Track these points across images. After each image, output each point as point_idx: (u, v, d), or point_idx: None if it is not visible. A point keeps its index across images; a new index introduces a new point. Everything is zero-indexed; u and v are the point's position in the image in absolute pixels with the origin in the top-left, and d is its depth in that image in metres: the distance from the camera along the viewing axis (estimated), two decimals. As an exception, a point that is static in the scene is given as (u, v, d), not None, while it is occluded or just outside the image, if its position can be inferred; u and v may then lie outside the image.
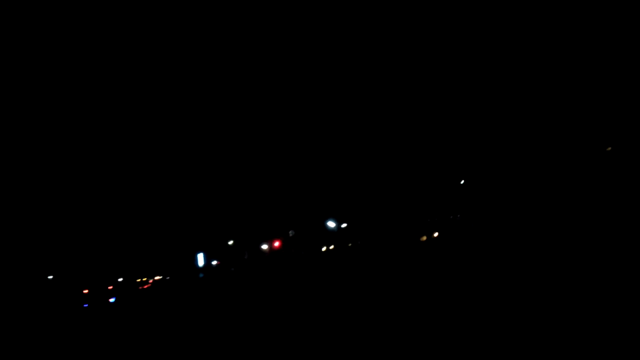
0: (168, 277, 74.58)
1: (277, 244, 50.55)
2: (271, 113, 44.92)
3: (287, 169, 47.37)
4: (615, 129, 30.99)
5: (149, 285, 72.68)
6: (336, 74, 41.39)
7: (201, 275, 56.79)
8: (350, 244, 46.24)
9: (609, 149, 32.38)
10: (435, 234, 39.42)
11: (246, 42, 40.81)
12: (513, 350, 6.68)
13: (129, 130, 47.15)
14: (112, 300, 38.84)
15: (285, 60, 41.49)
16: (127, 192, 54.17)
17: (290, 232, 50.98)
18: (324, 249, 48.74)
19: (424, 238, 40.42)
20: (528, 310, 8.83)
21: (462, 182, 41.22)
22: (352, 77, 41.12)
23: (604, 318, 7.20)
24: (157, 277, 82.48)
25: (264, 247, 51.25)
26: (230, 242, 54.80)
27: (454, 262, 20.90)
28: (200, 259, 58.37)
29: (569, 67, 31.10)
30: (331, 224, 44.61)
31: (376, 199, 43.58)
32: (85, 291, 40.65)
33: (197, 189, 52.81)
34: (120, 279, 64.70)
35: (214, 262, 58.78)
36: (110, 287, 50.88)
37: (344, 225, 45.11)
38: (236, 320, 14.22)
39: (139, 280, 79.15)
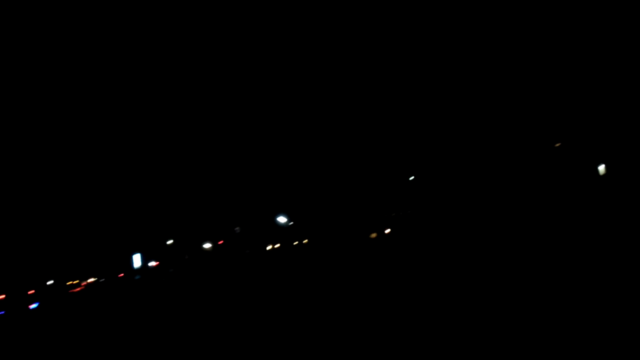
0: (102, 280, 70.57)
1: (220, 242, 48.03)
2: (216, 111, 43.12)
3: (234, 165, 45.38)
4: (568, 129, 31.09)
5: (81, 288, 68.26)
6: (287, 73, 40.10)
7: (137, 277, 53.57)
8: (297, 242, 44.39)
9: (558, 144, 32.45)
10: (387, 231, 38.19)
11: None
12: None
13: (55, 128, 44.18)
14: (33, 306, 35.03)
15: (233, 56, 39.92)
16: (57, 189, 50.68)
17: (236, 228, 48.56)
18: (269, 247, 46.62)
19: (374, 235, 39.11)
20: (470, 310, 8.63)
21: (411, 178, 40.56)
22: (308, 77, 39.92)
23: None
24: (90, 280, 77.88)
25: (207, 245, 48.53)
26: (170, 242, 51.70)
27: (405, 258, 20.33)
28: (137, 260, 55.04)
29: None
30: (281, 219, 42.59)
31: (326, 197, 42.03)
32: (1, 297, 36.54)
33: (135, 186, 49.78)
34: (49, 282, 60.17)
35: (152, 264, 55.49)
36: (31, 292, 46.55)
37: (291, 222, 43.17)
38: (174, 324, 13.11)
39: (69, 283, 74.33)
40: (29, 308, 34.18)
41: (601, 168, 28.17)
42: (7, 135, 40.11)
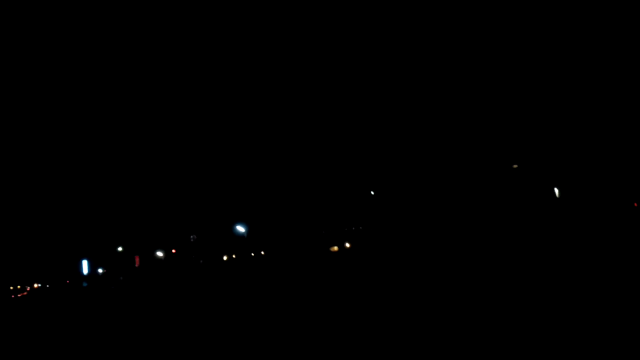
0: (48, 285, 67.43)
1: (173, 250, 46.08)
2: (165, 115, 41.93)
3: (193, 172, 43.86)
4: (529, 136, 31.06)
5: (25, 294, 64.91)
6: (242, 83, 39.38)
7: (85, 284, 51.01)
8: (254, 253, 42.97)
9: (515, 166, 32.53)
10: (347, 245, 37.22)
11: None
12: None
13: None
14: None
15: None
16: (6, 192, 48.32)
17: (191, 236, 46.74)
18: (225, 257, 45.00)
19: (335, 249, 38.08)
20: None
21: (372, 193, 39.94)
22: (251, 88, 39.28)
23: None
24: (35, 285, 74.29)
25: (159, 254, 46.46)
26: (120, 249, 49.38)
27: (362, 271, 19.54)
28: (85, 267, 52.49)
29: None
30: (240, 229, 41.04)
31: (286, 206, 40.85)
32: None
33: (85, 191, 47.63)
34: None
35: (100, 270, 52.98)
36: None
37: (248, 231, 41.70)
38: (124, 333, 12.41)
39: (12, 288, 70.69)
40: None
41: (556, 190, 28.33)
42: None
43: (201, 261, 42.97)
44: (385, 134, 38.13)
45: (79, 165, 45.02)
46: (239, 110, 41.08)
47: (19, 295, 60.36)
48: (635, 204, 22.43)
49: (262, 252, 41.63)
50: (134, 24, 36.80)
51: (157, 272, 44.10)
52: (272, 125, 40.45)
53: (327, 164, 39.91)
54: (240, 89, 39.52)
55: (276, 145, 40.60)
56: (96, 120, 42.38)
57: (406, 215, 36.40)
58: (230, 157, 41.76)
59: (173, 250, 46.94)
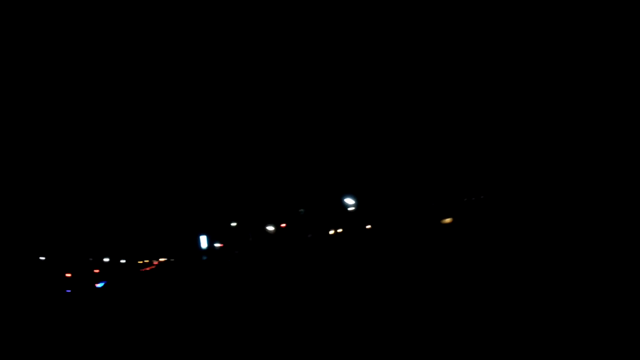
0: (172, 260, 72.52)
1: (283, 225, 47.30)
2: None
3: (285, 156, 44.95)
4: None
5: (152, 267, 70.36)
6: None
7: (204, 257, 54.21)
8: (365, 225, 42.85)
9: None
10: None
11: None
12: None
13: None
14: (100, 285, 35.65)
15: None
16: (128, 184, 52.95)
17: (300, 210, 47.61)
18: (332, 232, 45.33)
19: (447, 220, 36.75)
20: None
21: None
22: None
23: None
24: (161, 259, 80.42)
25: (270, 228, 47.98)
26: (234, 224, 51.72)
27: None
28: (204, 241, 55.70)
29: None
30: (349, 201, 41.18)
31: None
32: (68, 275, 37.46)
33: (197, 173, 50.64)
34: (107, 260, 62.31)
35: (217, 245, 55.96)
36: (97, 271, 47.88)
37: (357, 203, 41.74)
38: (239, 313, 12.67)
39: (140, 262, 77.05)
40: (95, 287, 34.85)
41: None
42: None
43: (310, 235, 43.71)
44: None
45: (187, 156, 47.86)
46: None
47: (147, 269, 65.39)
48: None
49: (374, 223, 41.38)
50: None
51: (268, 247, 45.64)
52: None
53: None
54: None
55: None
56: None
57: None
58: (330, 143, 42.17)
59: (283, 225, 48.20)
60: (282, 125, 44.01)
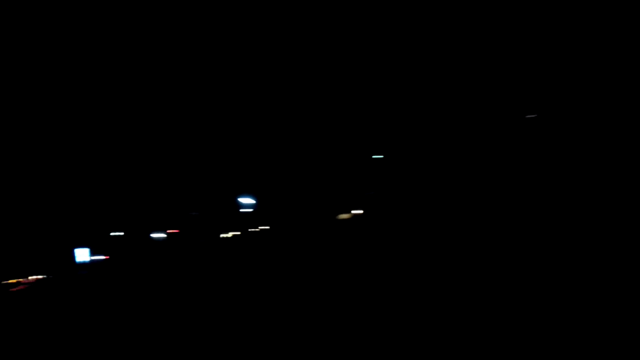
0: (48, 276, 66.25)
1: (173, 230, 44.51)
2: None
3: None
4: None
5: (22, 287, 63.49)
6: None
7: (84, 272, 49.75)
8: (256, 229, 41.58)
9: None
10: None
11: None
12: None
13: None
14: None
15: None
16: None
17: (193, 213, 45.27)
18: (227, 235, 43.58)
19: (345, 216, 36.69)
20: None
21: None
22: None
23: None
24: (31, 278, 73.03)
25: (160, 235, 44.91)
26: (117, 234, 47.78)
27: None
28: (81, 255, 50.98)
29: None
30: (244, 201, 39.70)
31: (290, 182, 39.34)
32: None
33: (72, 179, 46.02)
34: None
35: (98, 257, 51.48)
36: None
37: (254, 203, 40.33)
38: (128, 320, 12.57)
39: (10, 281, 69.48)
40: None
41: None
42: None
43: (202, 240, 41.54)
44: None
45: (63, 158, 43.40)
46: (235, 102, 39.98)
47: (16, 289, 58.92)
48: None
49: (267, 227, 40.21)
50: (133, 22, 35.58)
51: (157, 256, 42.64)
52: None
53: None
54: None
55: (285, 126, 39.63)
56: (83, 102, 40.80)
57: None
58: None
59: (173, 231, 45.42)
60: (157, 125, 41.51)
